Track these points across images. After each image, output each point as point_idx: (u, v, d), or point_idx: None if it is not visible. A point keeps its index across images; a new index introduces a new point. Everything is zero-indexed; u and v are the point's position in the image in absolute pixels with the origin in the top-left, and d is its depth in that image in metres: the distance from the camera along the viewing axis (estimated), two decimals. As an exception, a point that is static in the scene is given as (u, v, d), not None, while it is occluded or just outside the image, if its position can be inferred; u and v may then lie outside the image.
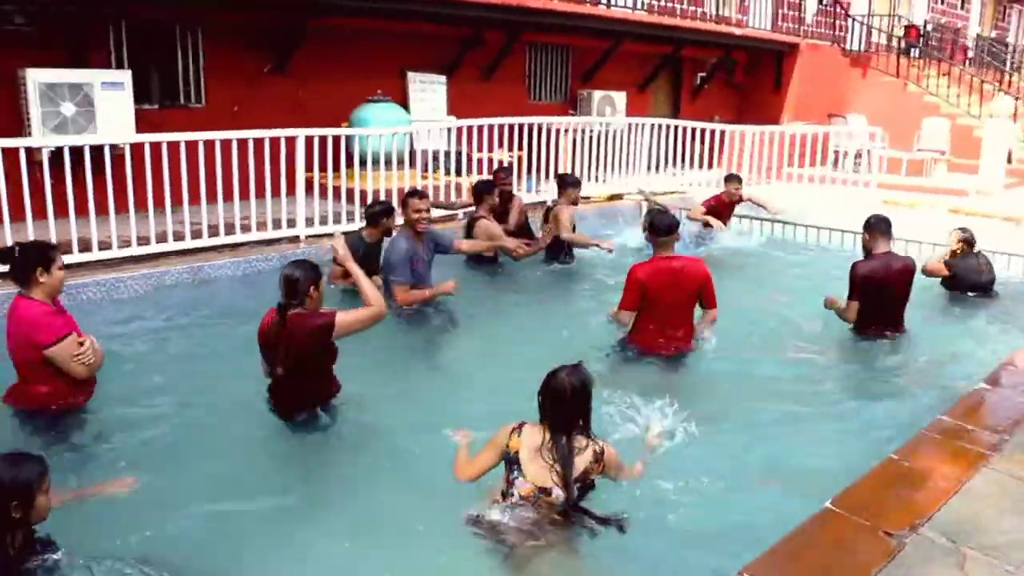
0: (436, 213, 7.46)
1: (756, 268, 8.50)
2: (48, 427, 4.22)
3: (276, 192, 7.72)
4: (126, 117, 8.03)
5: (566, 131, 10.81)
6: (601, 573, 3.29)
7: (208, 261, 7.11)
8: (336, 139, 8.31)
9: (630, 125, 11.51)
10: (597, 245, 7.79)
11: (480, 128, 9.64)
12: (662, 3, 14.32)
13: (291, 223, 7.95)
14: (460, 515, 3.38)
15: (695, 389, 5.08)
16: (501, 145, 9.87)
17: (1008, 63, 20.78)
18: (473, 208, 7.72)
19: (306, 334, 4.17)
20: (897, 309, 5.91)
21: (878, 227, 5.88)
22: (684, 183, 12.10)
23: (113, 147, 7.13)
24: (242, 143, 7.45)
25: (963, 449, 3.75)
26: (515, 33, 12.26)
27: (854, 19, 18.16)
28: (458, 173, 9.91)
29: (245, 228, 7.60)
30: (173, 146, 7.09)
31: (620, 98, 13.91)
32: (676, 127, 11.89)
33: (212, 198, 7.38)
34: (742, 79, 17.13)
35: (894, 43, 18.16)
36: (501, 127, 9.74)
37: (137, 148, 7.17)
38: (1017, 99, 14.89)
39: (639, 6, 13.90)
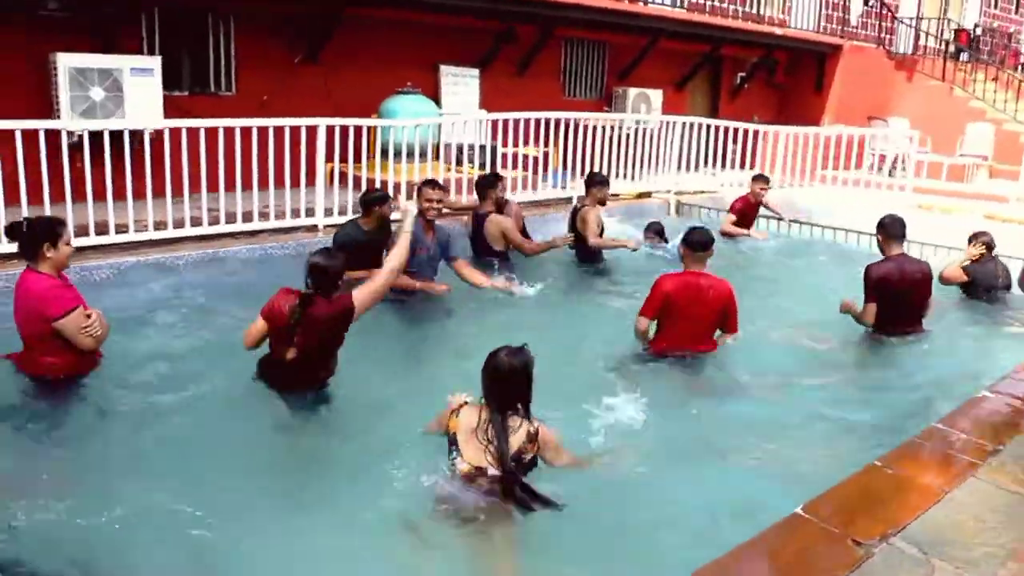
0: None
1: (771, 268, 8.44)
2: (51, 393, 4.35)
3: (296, 182, 7.75)
4: (154, 103, 8.11)
5: (598, 128, 10.71)
6: (550, 558, 3.30)
7: (225, 247, 7.17)
8: (360, 129, 8.31)
9: (662, 123, 11.36)
10: (624, 245, 7.94)
11: (507, 123, 9.52)
12: (702, 1, 14.15)
13: (310, 212, 7.99)
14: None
15: (700, 385, 5.06)
16: (529, 141, 9.76)
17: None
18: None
19: (328, 319, 4.20)
20: (913, 312, 5.82)
21: (891, 229, 5.78)
22: (717, 183, 11.95)
23: (136, 132, 7.24)
24: (262, 131, 7.49)
25: (951, 458, 3.64)
26: (548, 28, 12.17)
27: (901, 21, 17.78)
28: (492, 167, 9.77)
29: (264, 216, 7.63)
30: (193, 132, 7.18)
31: (656, 96, 13.73)
32: (709, 126, 11.72)
33: (231, 186, 7.43)
34: (783, 79, 16.85)
35: (942, 46, 17.76)
36: (528, 122, 9.60)
37: (159, 133, 7.28)
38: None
39: (678, 4, 13.73)
